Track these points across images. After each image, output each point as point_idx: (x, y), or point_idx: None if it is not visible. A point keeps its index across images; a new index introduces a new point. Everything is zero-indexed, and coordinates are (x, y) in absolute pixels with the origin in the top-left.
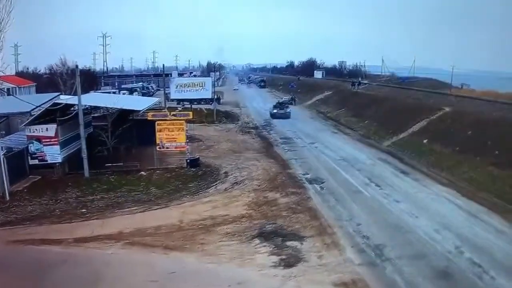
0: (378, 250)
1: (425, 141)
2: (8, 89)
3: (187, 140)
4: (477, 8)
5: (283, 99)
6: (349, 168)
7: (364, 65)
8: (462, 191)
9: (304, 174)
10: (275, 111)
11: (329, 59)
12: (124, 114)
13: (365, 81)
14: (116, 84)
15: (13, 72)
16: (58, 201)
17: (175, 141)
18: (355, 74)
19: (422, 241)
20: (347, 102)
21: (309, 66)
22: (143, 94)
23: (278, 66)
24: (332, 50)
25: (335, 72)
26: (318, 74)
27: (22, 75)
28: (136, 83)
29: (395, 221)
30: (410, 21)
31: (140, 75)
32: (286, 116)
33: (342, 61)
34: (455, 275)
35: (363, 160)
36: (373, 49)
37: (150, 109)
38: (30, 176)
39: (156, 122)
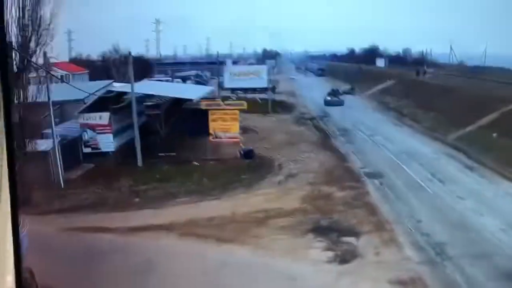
0: (439, 248)
1: (494, 135)
2: (61, 76)
3: (241, 131)
4: None
5: (342, 88)
6: (411, 162)
7: (431, 53)
8: None
9: (362, 168)
10: (328, 98)
11: (393, 46)
12: (177, 103)
13: (431, 70)
14: (170, 72)
15: (66, 59)
16: (112, 189)
17: (229, 131)
18: (421, 62)
19: (486, 240)
20: (411, 92)
21: (371, 54)
22: (197, 83)
23: (338, 54)
24: (396, 37)
25: (399, 60)
26: (380, 62)
27: (75, 62)
28: (189, 71)
29: (458, 219)
30: (482, 4)
31: (194, 63)
32: (340, 103)
33: (407, 48)
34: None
35: (427, 154)
36: (441, 36)
37: (203, 98)
38: (84, 164)
39: (210, 112)
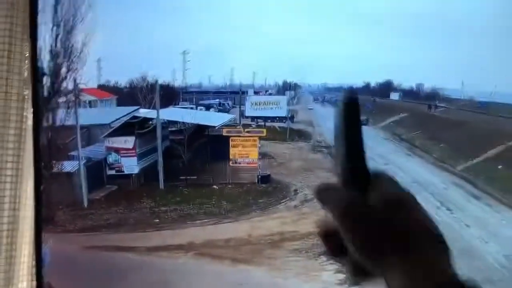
0: None
1: (500, 166)
2: (90, 101)
3: (259, 157)
4: None
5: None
6: (421, 191)
7: (442, 89)
8: None
9: None
10: None
11: (406, 81)
12: (200, 129)
13: (442, 105)
14: (194, 100)
15: (95, 85)
16: (133, 210)
17: (248, 157)
18: (432, 97)
19: (491, 267)
20: (422, 125)
21: (385, 88)
22: (219, 110)
23: (354, 86)
24: (410, 71)
25: (412, 95)
26: (394, 96)
27: (103, 88)
28: (213, 99)
29: (464, 246)
30: (494, 43)
31: (217, 92)
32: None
33: (420, 84)
34: None
35: (436, 184)
36: (452, 72)
37: (225, 125)
38: (107, 186)
39: (230, 138)
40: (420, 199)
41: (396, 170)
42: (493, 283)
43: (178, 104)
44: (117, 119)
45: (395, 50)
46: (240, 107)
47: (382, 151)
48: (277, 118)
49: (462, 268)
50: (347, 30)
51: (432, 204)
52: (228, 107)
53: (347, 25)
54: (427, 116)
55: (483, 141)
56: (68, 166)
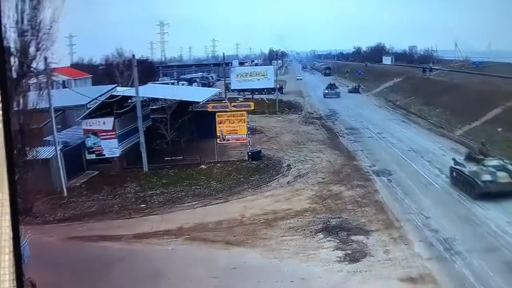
0: (448, 244)
1: (499, 129)
2: (63, 81)
3: (248, 132)
4: None
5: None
6: (418, 159)
7: (436, 50)
8: None
9: (370, 166)
10: (326, 91)
11: (399, 44)
12: (183, 106)
13: (437, 67)
14: (175, 75)
15: (68, 64)
16: (117, 196)
17: (236, 133)
18: (426, 59)
19: (494, 234)
20: (417, 89)
21: (377, 52)
22: (203, 85)
23: (344, 53)
24: (402, 34)
25: (405, 58)
26: (386, 60)
27: (77, 66)
28: (195, 73)
29: (467, 214)
30: (487, 4)
31: (200, 65)
32: (336, 95)
33: (413, 46)
34: None
35: (434, 151)
36: (445, 33)
37: (210, 100)
38: (88, 171)
39: (216, 114)
40: (418, 167)
41: (392, 138)
42: (497, 250)
43: (158, 80)
44: (93, 100)
45: (384, 11)
46: (225, 80)
47: (377, 120)
48: (265, 90)
49: (465, 236)
50: None
51: (431, 172)
52: (212, 81)
53: None
54: (422, 80)
55: (480, 103)
56: (44, 152)
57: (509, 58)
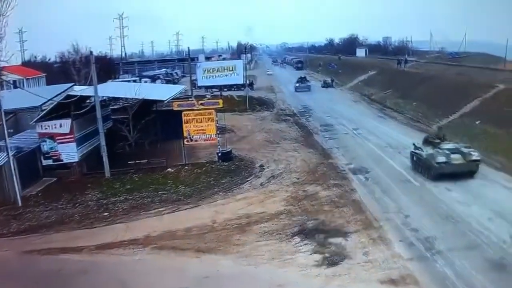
0: (428, 243)
1: (477, 122)
2: (14, 81)
3: (218, 132)
4: None
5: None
6: (396, 155)
7: (411, 41)
8: None
9: (347, 164)
10: (297, 85)
11: (373, 35)
12: (146, 105)
13: (412, 59)
14: (137, 72)
15: (19, 62)
16: (77, 204)
17: (204, 133)
18: (401, 51)
19: (474, 231)
20: (393, 82)
21: (351, 44)
22: (167, 82)
23: (317, 45)
24: (376, 25)
25: (379, 50)
26: (360, 52)
27: (29, 64)
28: (158, 69)
29: (446, 211)
30: None
31: (163, 61)
32: (307, 89)
33: (387, 37)
34: (510, 266)
35: (411, 146)
36: (420, 23)
37: (175, 98)
38: (44, 178)
39: (183, 113)
40: (396, 163)
41: (368, 134)
42: (478, 247)
43: (118, 78)
44: (48, 100)
45: (357, 1)
46: (190, 76)
47: (352, 115)
48: (234, 86)
49: (445, 234)
50: None
51: (409, 169)
52: (177, 77)
53: None
54: (397, 73)
55: (457, 95)
56: None
57: (485, 48)
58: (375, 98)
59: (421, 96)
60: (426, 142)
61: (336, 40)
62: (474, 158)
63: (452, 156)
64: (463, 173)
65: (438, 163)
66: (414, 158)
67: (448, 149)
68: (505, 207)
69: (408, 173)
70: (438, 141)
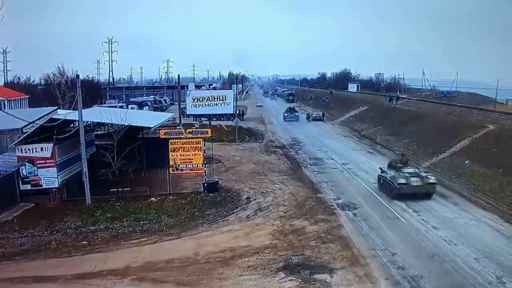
0: (414, 282)
1: (466, 162)
2: None
3: (205, 161)
4: None
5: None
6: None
7: (403, 78)
8: (504, 216)
9: (335, 199)
10: (286, 114)
11: (365, 71)
12: (132, 132)
13: (404, 96)
14: (124, 97)
15: (1, 83)
16: (55, 232)
17: (191, 162)
18: (393, 87)
19: (460, 271)
20: (383, 119)
21: (343, 79)
22: (155, 109)
23: (309, 78)
24: (369, 61)
25: (371, 86)
26: (352, 88)
27: (12, 86)
28: (147, 96)
29: (433, 249)
30: (453, 33)
31: (152, 87)
32: (295, 119)
33: (379, 73)
34: None
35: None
36: (413, 61)
37: (162, 126)
38: (21, 204)
39: (170, 141)
40: (384, 200)
41: (357, 170)
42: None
43: (104, 103)
44: (30, 123)
45: (350, 37)
46: (179, 104)
47: (342, 150)
48: (224, 116)
49: (431, 273)
50: (296, 16)
51: (398, 206)
52: (166, 105)
53: (295, 12)
54: (388, 109)
55: (447, 134)
56: None
57: (476, 88)
58: (366, 134)
59: (411, 133)
60: (390, 166)
61: (329, 74)
62: (431, 181)
63: (412, 178)
64: (421, 194)
65: (399, 184)
66: (381, 180)
67: (408, 173)
68: (492, 248)
69: (396, 210)
70: (400, 165)
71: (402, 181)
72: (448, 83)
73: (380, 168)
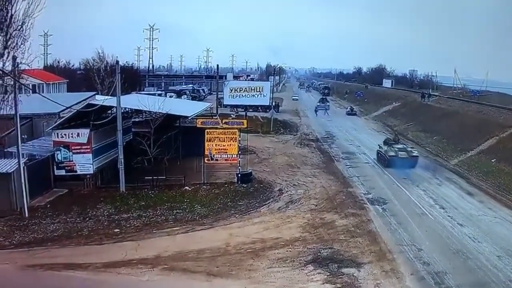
0: (438, 278)
1: (493, 160)
2: (34, 85)
3: (239, 152)
4: None
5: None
6: (414, 188)
7: (436, 76)
8: None
9: (365, 194)
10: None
11: (400, 67)
12: (169, 120)
13: (436, 93)
14: (163, 85)
15: (41, 66)
16: (87, 218)
17: (226, 152)
18: (426, 84)
19: (483, 268)
20: (416, 115)
21: (378, 74)
22: (193, 98)
23: (345, 72)
24: (403, 57)
25: (405, 82)
26: (387, 83)
27: (51, 69)
28: (185, 84)
29: (457, 246)
30: (486, 33)
31: (191, 76)
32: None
33: (413, 70)
34: None
35: (429, 180)
36: (445, 60)
37: (200, 115)
38: (55, 189)
39: (206, 131)
40: (413, 196)
41: None
42: (486, 284)
43: (143, 90)
44: (68, 108)
45: (387, 33)
46: (217, 94)
47: (374, 145)
48: (260, 107)
49: (455, 269)
50: (334, 10)
51: (426, 202)
52: (204, 94)
53: (333, 5)
54: (420, 106)
55: (476, 132)
56: (4, 165)
57: (505, 88)
58: (398, 129)
59: (442, 130)
60: (385, 143)
61: (364, 69)
62: (414, 154)
63: (400, 152)
64: (407, 164)
65: (389, 156)
66: (378, 154)
67: (398, 148)
68: None
69: (424, 206)
70: (392, 142)
71: (392, 154)
72: (478, 82)
73: (379, 145)
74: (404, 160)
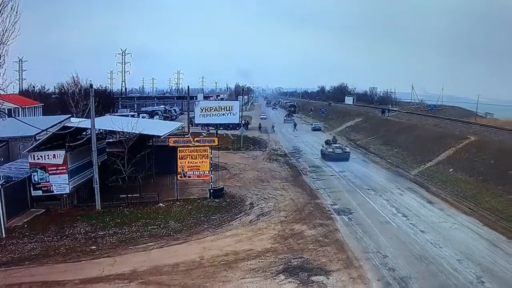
0: (404, 282)
1: (451, 170)
2: (9, 110)
3: (211, 168)
4: (505, 41)
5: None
6: (377, 198)
7: (395, 92)
8: (483, 220)
9: (332, 205)
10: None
11: (360, 85)
12: (143, 140)
13: (395, 108)
14: (136, 107)
15: (17, 91)
16: (64, 237)
17: (198, 169)
18: (385, 100)
19: (445, 272)
20: (377, 129)
21: (340, 92)
22: (165, 118)
23: (309, 91)
24: (364, 75)
25: (366, 98)
26: (349, 100)
27: (27, 94)
28: (157, 105)
29: (420, 252)
30: (441, 50)
31: (162, 97)
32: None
33: (373, 87)
34: None
35: (391, 190)
36: (403, 77)
37: (172, 134)
38: (32, 209)
39: (178, 149)
40: (377, 206)
41: (352, 177)
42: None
43: (116, 112)
44: (43, 130)
45: (350, 53)
46: (188, 114)
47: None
48: (230, 125)
49: (419, 274)
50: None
51: (389, 211)
52: (175, 114)
53: (296, 29)
54: (381, 121)
55: (434, 144)
56: None
57: (460, 102)
58: (360, 143)
59: (402, 143)
60: (326, 143)
61: (327, 88)
62: (347, 150)
63: (336, 150)
64: (342, 157)
65: (328, 152)
66: (322, 152)
67: (335, 146)
68: (473, 250)
69: (387, 215)
70: (331, 142)
71: (330, 150)
72: (434, 97)
73: (322, 145)
74: (339, 155)
